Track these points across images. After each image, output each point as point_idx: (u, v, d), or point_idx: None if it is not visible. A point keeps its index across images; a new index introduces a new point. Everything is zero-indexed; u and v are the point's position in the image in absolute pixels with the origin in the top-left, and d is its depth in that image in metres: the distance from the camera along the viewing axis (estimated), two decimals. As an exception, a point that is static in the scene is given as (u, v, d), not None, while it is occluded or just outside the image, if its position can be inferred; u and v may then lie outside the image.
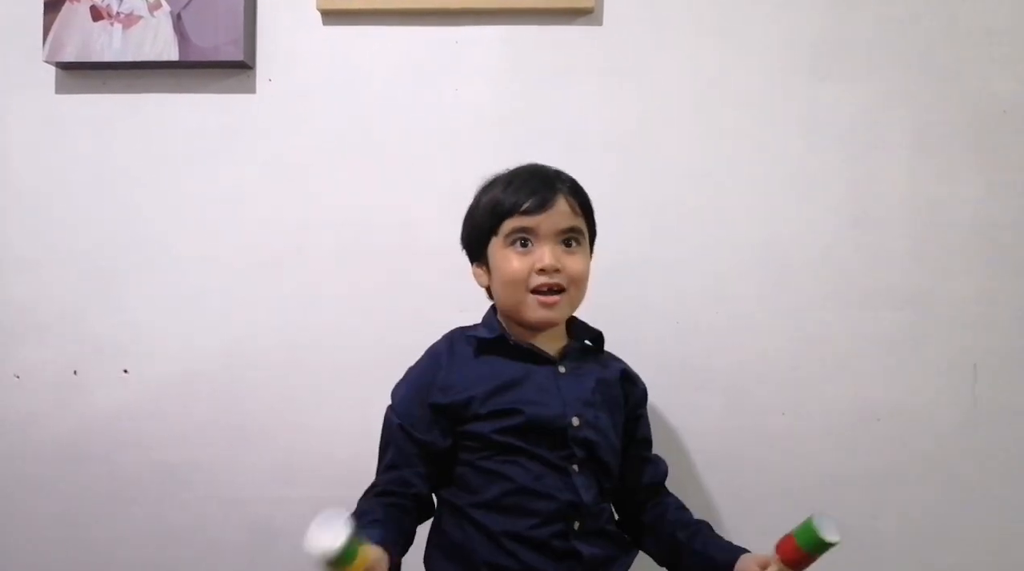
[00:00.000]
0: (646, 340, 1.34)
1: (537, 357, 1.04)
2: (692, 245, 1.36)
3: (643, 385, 1.14)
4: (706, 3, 1.37)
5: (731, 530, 1.38)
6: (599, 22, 1.37)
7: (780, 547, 0.92)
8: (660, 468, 1.14)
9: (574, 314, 1.10)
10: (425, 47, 1.38)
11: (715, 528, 1.37)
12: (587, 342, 1.11)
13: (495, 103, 1.38)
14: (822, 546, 0.89)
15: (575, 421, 1.00)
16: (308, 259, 1.40)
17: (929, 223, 1.36)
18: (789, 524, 1.37)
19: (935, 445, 1.36)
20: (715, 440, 1.38)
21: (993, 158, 1.36)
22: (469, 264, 1.12)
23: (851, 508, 1.36)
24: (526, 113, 1.37)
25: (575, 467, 1.00)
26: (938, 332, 1.36)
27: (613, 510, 1.11)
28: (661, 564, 1.10)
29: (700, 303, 1.38)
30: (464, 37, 1.38)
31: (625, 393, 1.09)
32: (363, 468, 1.39)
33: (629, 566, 1.06)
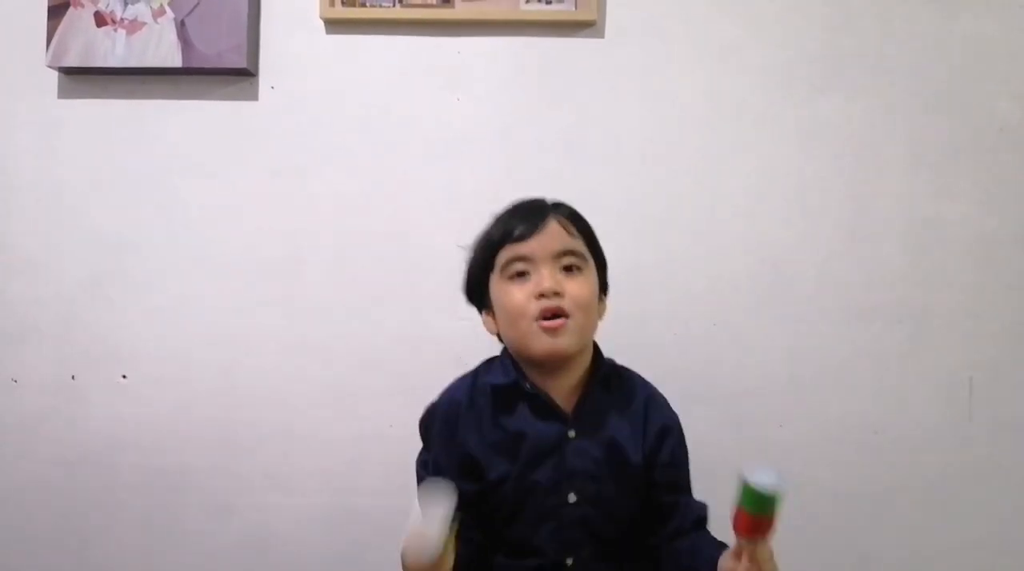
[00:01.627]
0: (643, 351, 1.32)
1: (549, 411, 0.98)
2: (690, 258, 1.37)
3: (667, 420, 1.04)
4: (706, 18, 1.38)
5: (728, 543, 1.38)
6: (601, 35, 1.38)
7: (736, 525, 0.84)
8: (689, 513, 1.00)
9: (599, 349, 1.04)
10: (427, 57, 1.39)
11: (718, 534, 1.38)
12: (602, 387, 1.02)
13: (496, 113, 1.39)
14: (768, 500, 0.82)
15: (572, 498, 0.96)
16: (307, 266, 1.40)
17: (925, 238, 1.37)
18: (785, 536, 1.38)
19: (932, 457, 1.37)
20: (712, 452, 1.37)
21: (989, 175, 1.37)
22: (473, 305, 1.07)
23: (849, 520, 1.37)
24: (527, 124, 1.38)
25: (569, 561, 0.96)
26: (934, 346, 1.37)
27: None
28: None
29: (697, 315, 1.38)
30: (466, 48, 1.39)
31: (645, 447, 1.00)
32: (357, 476, 1.40)
33: None
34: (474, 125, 1.39)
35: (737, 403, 1.38)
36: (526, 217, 0.98)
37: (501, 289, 0.97)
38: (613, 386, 1.03)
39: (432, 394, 1.07)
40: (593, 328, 1.00)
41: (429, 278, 1.37)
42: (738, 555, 0.84)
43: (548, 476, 0.95)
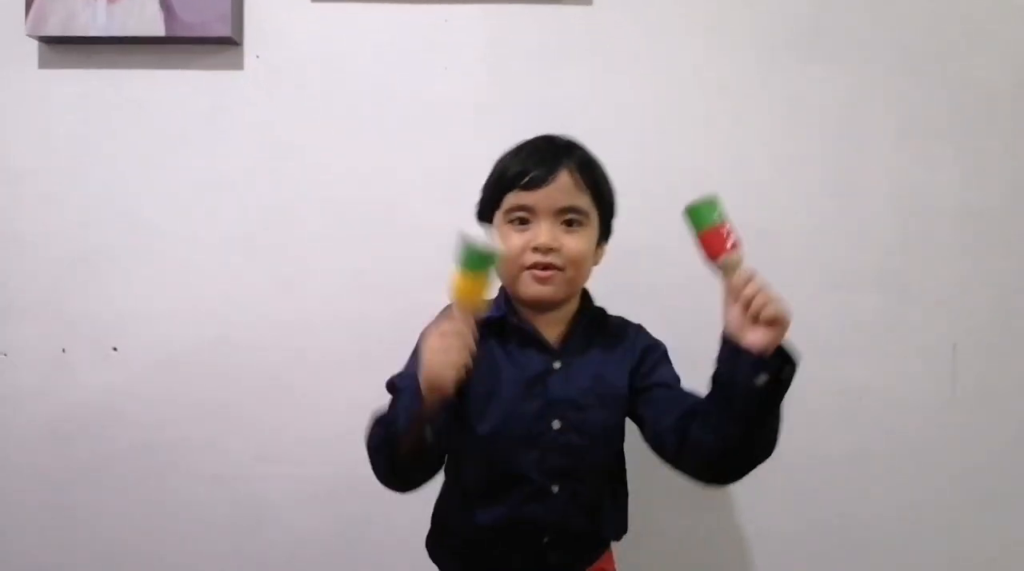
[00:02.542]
0: (629, 319, 1.35)
1: (536, 343, 1.02)
2: (675, 229, 1.36)
3: (650, 343, 1.06)
4: (695, -14, 1.37)
5: (717, 507, 1.41)
6: (589, 2, 1.37)
7: (705, 251, 0.89)
8: (689, 399, 0.98)
9: (588, 292, 1.08)
10: (414, 25, 1.37)
11: (699, 504, 1.41)
12: (589, 326, 1.06)
13: (484, 82, 1.38)
14: (704, 213, 0.88)
15: (556, 425, 0.98)
16: (295, 237, 1.40)
17: (910, 207, 1.38)
18: (774, 498, 1.41)
19: (915, 424, 1.39)
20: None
21: (974, 145, 1.37)
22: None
23: (833, 486, 1.40)
24: (515, 93, 1.37)
25: (555, 487, 0.99)
26: (918, 315, 1.39)
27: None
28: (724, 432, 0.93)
29: (683, 287, 1.38)
30: (453, 15, 1.37)
31: (630, 367, 1.03)
32: (347, 447, 1.39)
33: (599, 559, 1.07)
34: (461, 94, 1.38)
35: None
36: (539, 163, 0.99)
37: (503, 230, 1.00)
38: (600, 325, 1.07)
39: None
40: (584, 279, 1.03)
41: (418, 247, 1.37)
42: (734, 298, 0.86)
43: (532, 404, 0.98)
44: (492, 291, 0.94)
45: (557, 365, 1.01)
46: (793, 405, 1.38)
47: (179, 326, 1.41)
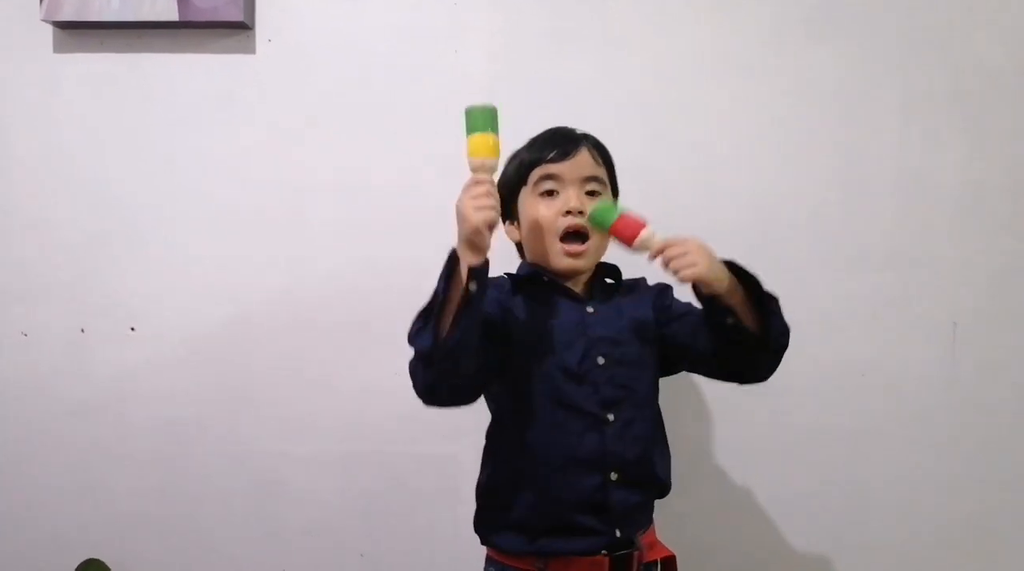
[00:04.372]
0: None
1: (568, 294, 1.09)
2: (683, 206, 1.39)
3: (660, 285, 1.15)
4: (703, -33, 1.38)
5: (722, 481, 1.44)
6: (597, -15, 1.38)
7: (622, 244, 1.00)
8: None
9: None
10: (425, 9, 1.39)
11: (705, 478, 1.43)
12: (608, 280, 1.15)
13: (494, 65, 1.39)
14: (605, 213, 1.01)
15: (600, 361, 1.05)
16: (308, 219, 1.42)
17: (914, 186, 1.40)
18: (776, 475, 1.44)
19: (916, 399, 1.42)
20: (704, 394, 1.43)
21: (978, 123, 1.39)
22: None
23: (835, 459, 1.43)
24: (525, 75, 1.39)
25: (610, 416, 1.04)
26: (920, 292, 1.41)
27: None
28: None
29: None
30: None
31: (652, 303, 1.12)
32: (364, 423, 1.44)
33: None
34: (472, 76, 1.39)
35: (730, 348, 1.42)
36: (560, 143, 1.09)
37: (531, 203, 1.08)
38: (616, 277, 1.16)
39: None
40: (606, 247, 1.10)
41: (431, 229, 1.38)
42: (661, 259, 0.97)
43: (577, 345, 1.05)
44: (502, 152, 0.98)
45: (591, 309, 1.08)
46: (796, 381, 1.42)
47: (196, 306, 1.43)
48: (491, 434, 1.11)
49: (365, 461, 1.44)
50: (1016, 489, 1.43)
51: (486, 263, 0.93)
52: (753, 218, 1.41)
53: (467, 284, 0.91)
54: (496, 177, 0.98)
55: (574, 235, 1.06)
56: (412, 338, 0.95)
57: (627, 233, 0.99)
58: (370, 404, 1.44)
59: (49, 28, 1.40)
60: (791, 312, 1.40)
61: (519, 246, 1.15)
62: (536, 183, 1.07)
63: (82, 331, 1.44)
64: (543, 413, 1.03)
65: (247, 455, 1.45)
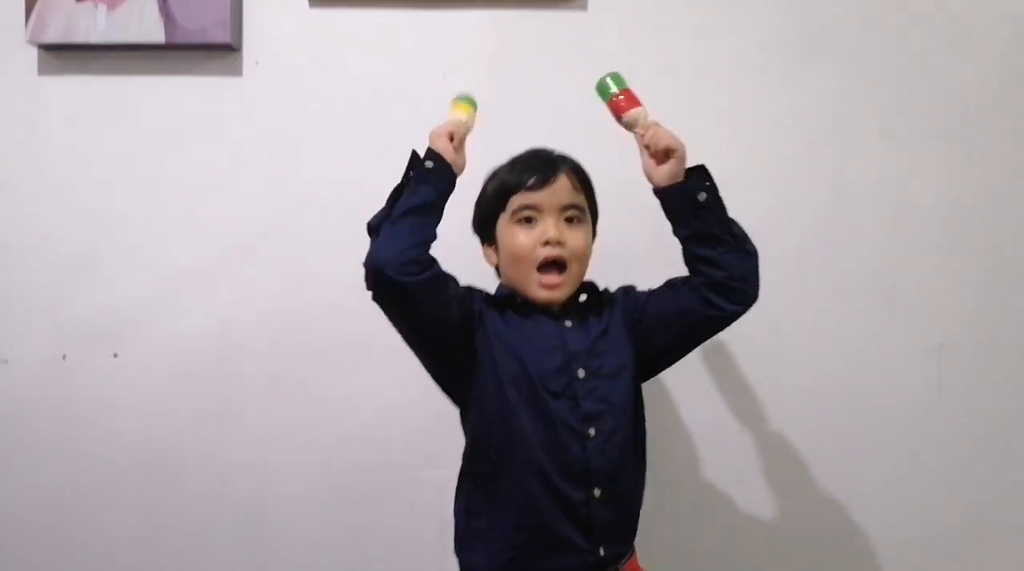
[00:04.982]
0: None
1: (545, 311, 1.08)
2: (671, 230, 1.39)
3: (624, 286, 1.16)
4: (688, -6, 1.40)
5: (712, 499, 1.43)
6: (584, 7, 1.39)
7: (613, 115, 1.08)
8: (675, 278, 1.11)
9: None
10: (412, 31, 1.39)
11: (698, 495, 1.42)
12: (583, 296, 1.13)
13: (482, 88, 1.38)
14: (607, 86, 1.09)
15: (580, 373, 1.04)
16: (294, 242, 1.41)
17: (899, 213, 1.41)
18: (763, 498, 1.44)
19: (902, 422, 1.43)
20: (693, 415, 1.43)
21: (959, 150, 1.41)
22: (477, 236, 1.15)
23: (823, 481, 1.43)
24: (513, 98, 1.39)
25: (591, 431, 1.02)
26: (907, 316, 1.42)
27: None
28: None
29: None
30: (452, 22, 1.39)
31: (622, 310, 1.11)
32: (349, 449, 1.42)
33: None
34: (459, 99, 1.39)
35: (718, 372, 1.42)
36: (540, 168, 1.07)
37: (509, 231, 1.07)
38: (591, 293, 1.14)
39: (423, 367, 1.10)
40: (584, 272, 1.11)
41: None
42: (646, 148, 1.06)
43: (556, 358, 1.04)
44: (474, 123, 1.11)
45: (569, 323, 1.08)
46: (783, 403, 1.42)
47: (179, 332, 1.41)
48: (467, 456, 1.09)
49: (349, 485, 1.42)
50: (1002, 510, 1.43)
51: (447, 161, 1.03)
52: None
53: (423, 160, 1.02)
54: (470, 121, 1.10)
55: (552, 265, 1.05)
56: (370, 224, 1.03)
57: (618, 110, 1.06)
58: (358, 431, 1.42)
59: (34, 50, 1.39)
60: (779, 335, 1.42)
61: (497, 269, 1.14)
62: (515, 211, 1.07)
63: (64, 357, 1.42)
64: (523, 430, 1.02)
65: (231, 484, 1.43)
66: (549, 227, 1.05)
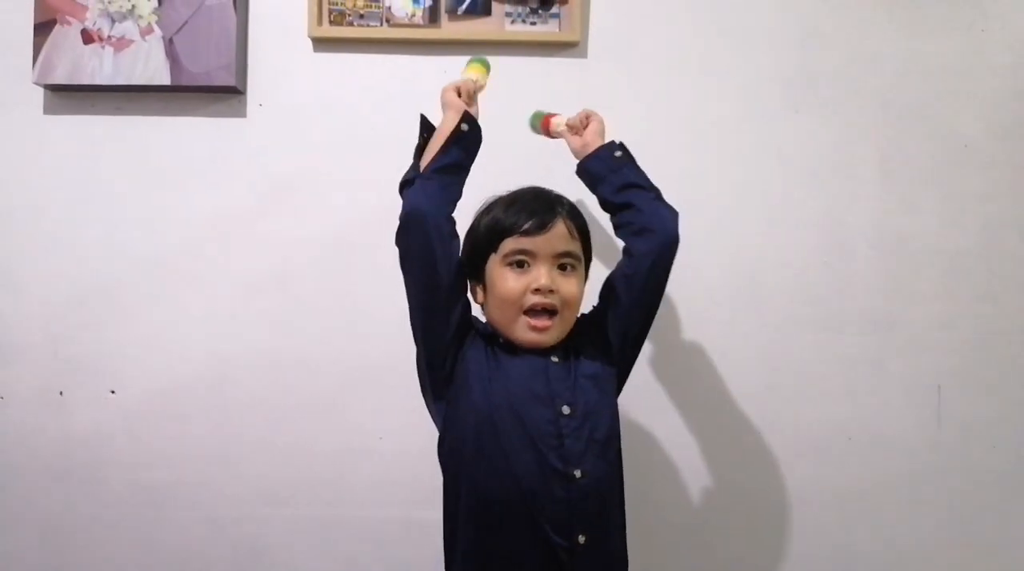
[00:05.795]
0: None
1: (528, 350, 1.06)
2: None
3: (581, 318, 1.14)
4: (684, 40, 1.43)
5: (710, 541, 1.43)
6: (584, 55, 1.42)
7: (545, 134, 1.25)
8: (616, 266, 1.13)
9: None
10: (413, 76, 1.42)
11: (693, 537, 1.42)
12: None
13: (483, 133, 1.41)
14: (536, 118, 1.28)
15: (566, 410, 1.02)
16: (295, 281, 1.42)
17: (895, 251, 1.43)
18: (762, 539, 1.43)
19: (902, 462, 1.43)
20: (689, 457, 1.42)
21: (955, 190, 1.44)
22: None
23: (822, 521, 1.42)
24: (512, 142, 1.40)
25: (576, 472, 1.00)
26: (904, 354, 1.43)
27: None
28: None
29: (677, 326, 1.43)
30: (452, 67, 1.40)
31: (592, 335, 1.11)
32: (347, 488, 1.41)
33: None
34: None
35: (715, 411, 1.42)
36: (537, 212, 1.06)
37: (499, 273, 1.05)
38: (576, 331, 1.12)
39: (420, 407, 1.10)
40: (575, 318, 1.09)
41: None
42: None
43: (541, 393, 1.03)
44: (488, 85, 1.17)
45: (555, 359, 1.06)
46: (782, 444, 1.42)
47: (177, 369, 1.41)
48: (447, 492, 1.07)
49: (347, 526, 1.42)
50: (1002, 552, 1.43)
51: (472, 115, 1.09)
52: (737, 282, 1.43)
53: (459, 124, 1.07)
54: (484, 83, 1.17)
55: (543, 310, 1.04)
56: (402, 181, 1.08)
57: (545, 128, 1.23)
58: (354, 468, 1.41)
59: (40, 90, 1.41)
60: (777, 375, 1.43)
61: (482, 306, 1.11)
62: (507, 254, 1.05)
63: (61, 394, 1.41)
64: (506, 472, 1.00)
65: (227, 520, 1.42)
66: (542, 275, 1.03)
